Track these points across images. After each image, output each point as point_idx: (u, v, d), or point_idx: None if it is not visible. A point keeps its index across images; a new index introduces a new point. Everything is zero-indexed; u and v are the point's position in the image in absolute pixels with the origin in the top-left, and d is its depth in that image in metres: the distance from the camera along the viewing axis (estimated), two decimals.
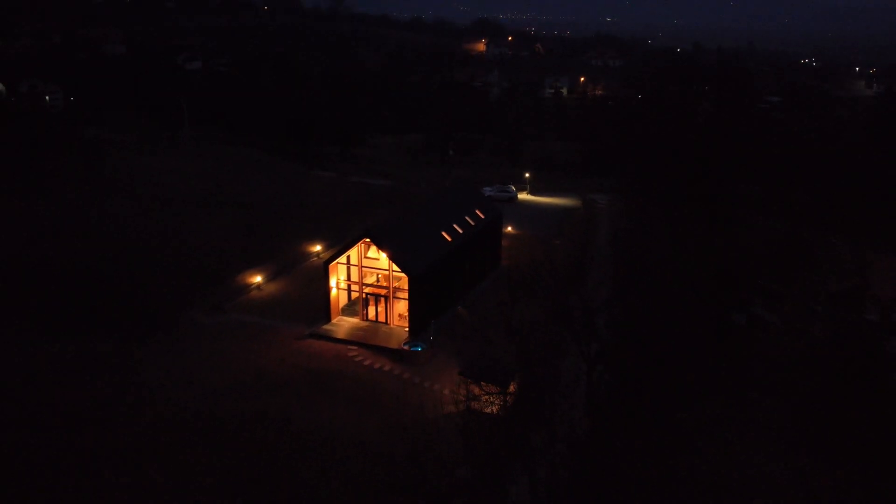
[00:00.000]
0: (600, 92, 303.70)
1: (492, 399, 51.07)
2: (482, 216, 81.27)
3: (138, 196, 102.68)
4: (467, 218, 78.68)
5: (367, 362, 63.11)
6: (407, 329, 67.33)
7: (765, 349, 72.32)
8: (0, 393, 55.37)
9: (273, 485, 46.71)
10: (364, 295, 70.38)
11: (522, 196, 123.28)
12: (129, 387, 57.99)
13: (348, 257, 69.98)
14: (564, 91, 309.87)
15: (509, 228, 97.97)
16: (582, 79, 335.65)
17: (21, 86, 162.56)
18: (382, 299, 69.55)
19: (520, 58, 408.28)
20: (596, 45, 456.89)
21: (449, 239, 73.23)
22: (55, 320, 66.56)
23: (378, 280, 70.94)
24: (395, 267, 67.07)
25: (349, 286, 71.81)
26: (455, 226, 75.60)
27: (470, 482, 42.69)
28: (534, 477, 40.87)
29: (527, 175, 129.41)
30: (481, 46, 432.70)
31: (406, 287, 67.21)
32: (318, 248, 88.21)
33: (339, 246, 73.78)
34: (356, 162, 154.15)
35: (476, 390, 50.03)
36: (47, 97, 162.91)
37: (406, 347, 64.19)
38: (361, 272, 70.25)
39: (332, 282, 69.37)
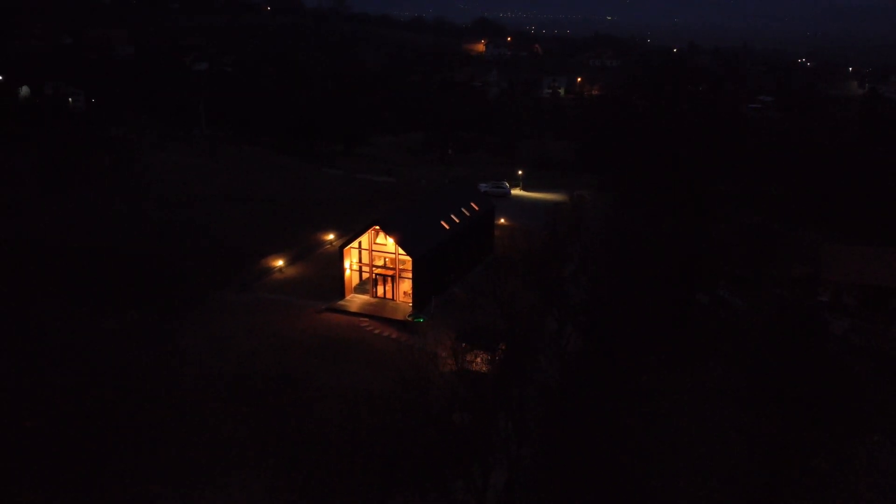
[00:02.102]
0: (597, 92, 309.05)
1: (483, 359, 61.00)
2: (476, 209, 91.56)
3: (164, 190, 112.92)
4: (463, 210, 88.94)
5: (376, 331, 73.66)
6: (411, 304, 77.75)
7: (723, 325, 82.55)
8: (63, 358, 65.39)
9: (298, 429, 56.89)
10: (374, 275, 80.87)
11: (516, 192, 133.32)
12: (171, 352, 68.31)
13: (360, 243, 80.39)
14: (562, 91, 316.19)
15: (502, 220, 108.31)
16: (579, 79, 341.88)
17: (46, 88, 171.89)
18: (389, 279, 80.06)
19: (519, 58, 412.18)
20: (594, 46, 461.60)
21: (447, 227, 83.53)
22: (103, 299, 76.70)
23: (385, 262, 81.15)
24: (400, 251, 77.51)
25: (361, 268, 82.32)
26: (453, 216, 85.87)
27: (463, 425, 52.36)
28: (516, 420, 50.42)
29: (519, 172, 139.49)
30: (481, 47, 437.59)
31: (410, 268, 77.57)
32: (330, 236, 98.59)
33: (352, 233, 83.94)
34: (360, 160, 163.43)
35: (469, 353, 59.92)
36: (70, 99, 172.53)
37: (410, 319, 74.75)
38: (371, 255, 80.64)
39: (346, 264, 79.94)
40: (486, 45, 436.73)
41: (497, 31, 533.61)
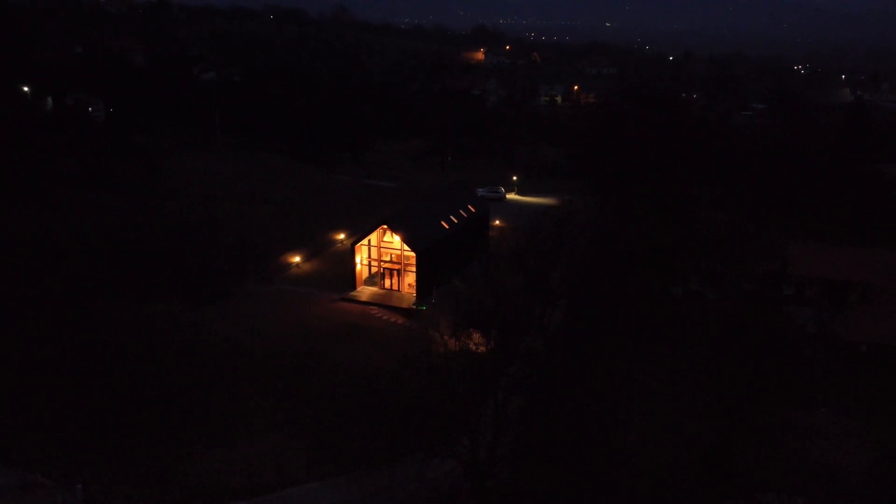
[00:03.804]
0: (592, 99, 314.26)
1: (478, 341, 70.74)
2: (473, 210, 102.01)
3: (189, 193, 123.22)
4: (461, 211, 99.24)
5: (384, 318, 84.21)
6: (415, 294, 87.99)
7: (693, 314, 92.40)
8: (109, 341, 75.08)
9: (319, 398, 66.84)
10: (382, 269, 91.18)
11: (511, 196, 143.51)
12: (204, 335, 78.23)
13: (369, 240, 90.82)
14: (559, 99, 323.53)
15: (497, 222, 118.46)
16: (576, 87, 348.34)
17: (67, 99, 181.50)
18: (396, 272, 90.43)
19: (517, 66, 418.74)
20: (591, 54, 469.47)
21: (447, 227, 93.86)
22: (141, 289, 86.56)
23: (392, 257, 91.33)
24: (405, 247, 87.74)
25: (370, 262, 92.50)
26: (452, 217, 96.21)
27: (461, 395, 61.84)
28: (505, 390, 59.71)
29: (514, 178, 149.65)
30: (480, 55, 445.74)
31: (414, 262, 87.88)
32: (341, 235, 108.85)
33: (362, 232, 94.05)
34: (365, 166, 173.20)
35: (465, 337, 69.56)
36: (90, 108, 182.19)
37: (414, 307, 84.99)
38: (380, 251, 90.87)
39: (357, 259, 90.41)
40: (485, 54, 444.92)
41: (496, 38, 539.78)
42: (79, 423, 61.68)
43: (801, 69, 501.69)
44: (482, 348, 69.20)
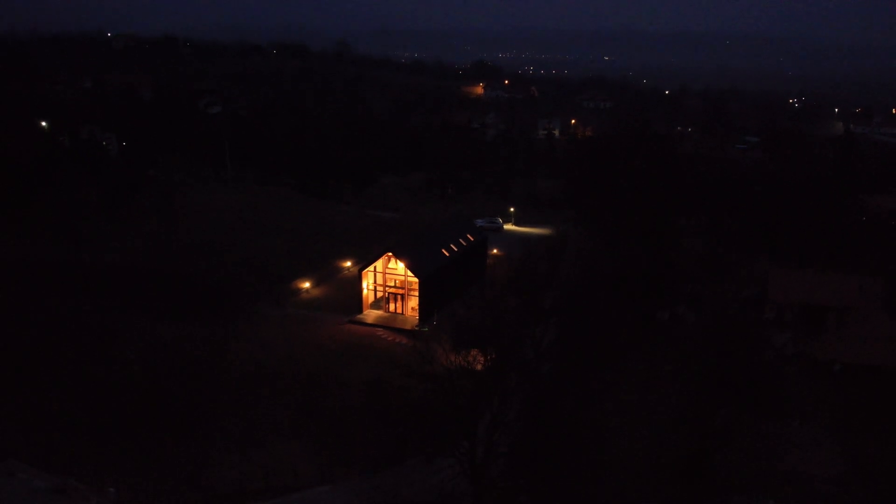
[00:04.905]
0: (589, 133, 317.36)
1: (476, 359, 76.88)
2: (472, 239, 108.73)
3: (203, 222, 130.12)
4: (461, 240, 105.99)
5: (389, 339, 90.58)
6: (417, 316, 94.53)
7: (677, 335, 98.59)
8: (139, 357, 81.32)
9: (329, 408, 73.03)
10: (387, 293, 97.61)
11: (508, 226, 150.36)
12: (224, 353, 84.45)
13: (375, 266, 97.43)
14: (556, 132, 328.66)
15: (495, 251, 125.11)
16: (573, 121, 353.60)
17: (82, 133, 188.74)
18: (400, 296, 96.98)
19: (515, 100, 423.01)
20: (588, 88, 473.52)
21: (447, 255, 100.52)
22: (163, 312, 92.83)
23: (396, 283, 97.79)
24: (409, 273, 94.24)
25: (376, 287, 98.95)
26: (452, 245, 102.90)
27: (461, 406, 67.82)
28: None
29: (511, 209, 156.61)
30: (479, 89, 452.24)
31: (417, 287, 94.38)
32: (348, 263, 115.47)
33: (369, 259, 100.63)
34: (369, 198, 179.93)
35: (464, 354, 75.71)
36: (104, 142, 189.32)
37: (417, 328, 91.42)
38: (385, 277, 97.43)
39: (364, 284, 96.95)
40: (485, 88, 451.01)
41: (494, 72, 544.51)
42: (111, 431, 67.65)
43: (795, 102, 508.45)
44: (479, 365, 75.40)
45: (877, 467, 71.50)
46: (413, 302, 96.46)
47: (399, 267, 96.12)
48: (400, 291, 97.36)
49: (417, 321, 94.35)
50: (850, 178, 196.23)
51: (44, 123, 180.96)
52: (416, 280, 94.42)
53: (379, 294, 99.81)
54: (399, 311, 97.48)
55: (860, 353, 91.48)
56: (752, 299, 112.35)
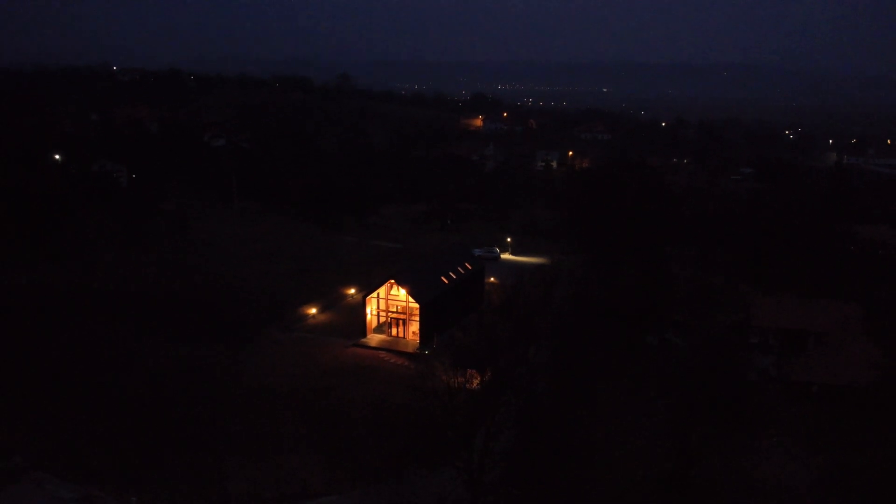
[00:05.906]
0: (586, 164, 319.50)
1: (474, 379, 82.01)
2: (469, 268, 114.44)
3: (212, 251, 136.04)
4: (459, 269, 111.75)
5: (391, 361, 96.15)
6: (418, 340, 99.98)
7: (665, 358, 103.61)
8: (158, 377, 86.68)
9: (336, 424, 78.21)
10: (389, 318, 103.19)
11: (505, 256, 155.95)
12: (237, 373, 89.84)
13: (378, 293, 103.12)
14: (554, 164, 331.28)
15: (492, 279, 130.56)
16: (570, 153, 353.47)
17: (94, 165, 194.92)
18: (402, 321, 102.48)
19: (514, 132, 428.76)
20: (586, 120, 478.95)
21: (447, 282, 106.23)
22: (178, 335, 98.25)
23: (398, 308, 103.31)
24: (410, 299, 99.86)
25: (379, 312, 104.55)
26: (451, 273, 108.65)
27: (459, 420, 72.93)
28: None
29: (508, 239, 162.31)
30: (478, 121, 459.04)
31: (418, 313, 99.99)
32: (352, 290, 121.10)
33: (372, 286, 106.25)
34: (371, 228, 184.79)
35: (462, 374, 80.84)
36: (115, 174, 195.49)
37: (418, 352, 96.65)
38: (388, 303, 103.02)
39: (368, 309, 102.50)
40: (484, 120, 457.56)
41: (494, 104, 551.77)
42: (132, 445, 72.79)
43: (791, 134, 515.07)
44: (476, 383, 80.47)
45: (851, 479, 76.07)
46: (414, 326, 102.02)
47: (401, 293, 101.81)
48: (402, 316, 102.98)
49: (418, 345, 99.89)
50: (840, 208, 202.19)
51: (57, 157, 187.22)
52: (417, 306, 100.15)
53: (382, 319, 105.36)
54: (401, 335, 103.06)
55: (836, 375, 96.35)
56: (738, 324, 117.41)
